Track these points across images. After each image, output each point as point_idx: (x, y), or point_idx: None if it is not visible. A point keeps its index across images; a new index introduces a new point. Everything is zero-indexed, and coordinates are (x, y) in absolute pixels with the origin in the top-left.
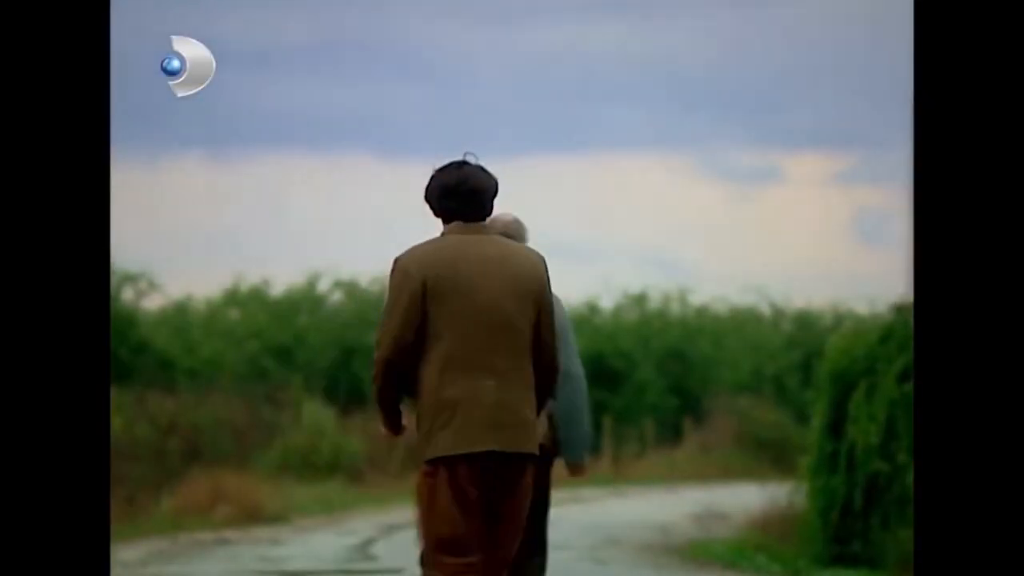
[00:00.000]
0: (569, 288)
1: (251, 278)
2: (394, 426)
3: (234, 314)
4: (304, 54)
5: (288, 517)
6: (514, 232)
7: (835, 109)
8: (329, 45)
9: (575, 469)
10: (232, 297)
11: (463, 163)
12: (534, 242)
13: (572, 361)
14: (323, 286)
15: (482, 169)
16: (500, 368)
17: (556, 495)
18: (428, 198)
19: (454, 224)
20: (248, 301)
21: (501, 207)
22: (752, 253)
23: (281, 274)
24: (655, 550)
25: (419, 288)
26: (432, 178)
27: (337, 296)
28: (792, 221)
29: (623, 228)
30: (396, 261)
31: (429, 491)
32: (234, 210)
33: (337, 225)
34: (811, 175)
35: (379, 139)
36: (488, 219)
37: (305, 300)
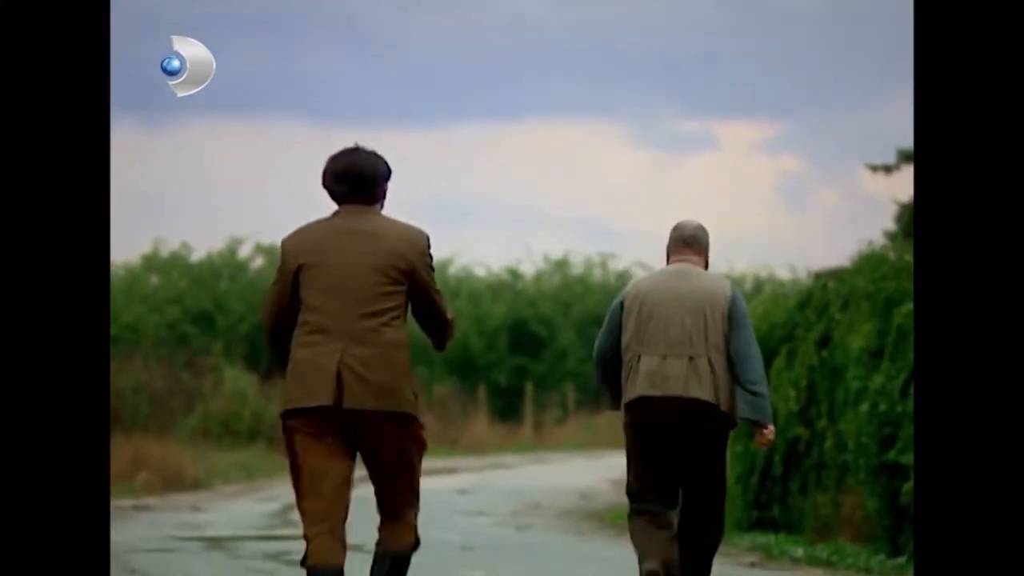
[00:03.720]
0: (491, 254)
1: (171, 243)
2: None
3: (154, 279)
4: (238, 20)
5: (209, 483)
6: (699, 237)
7: (762, 77)
8: (264, 11)
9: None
10: (151, 262)
11: (354, 149)
12: (459, 207)
13: (752, 346)
14: (244, 251)
15: (373, 154)
16: (354, 332)
17: (476, 461)
18: (323, 184)
19: (343, 207)
20: (168, 266)
21: (431, 174)
22: (675, 218)
23: (202, 239)
24: (575, 516)
25: (293, 269)
26: (326, 165)
27: (259, 262)
28: (715, 187)
29: (549, 194)
30: (282, 243)
31: (287, 446)
32: (156, 174)
33: (262, 191)
34: (736, 143)
35: (314, 107)
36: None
37: (226, 265)
